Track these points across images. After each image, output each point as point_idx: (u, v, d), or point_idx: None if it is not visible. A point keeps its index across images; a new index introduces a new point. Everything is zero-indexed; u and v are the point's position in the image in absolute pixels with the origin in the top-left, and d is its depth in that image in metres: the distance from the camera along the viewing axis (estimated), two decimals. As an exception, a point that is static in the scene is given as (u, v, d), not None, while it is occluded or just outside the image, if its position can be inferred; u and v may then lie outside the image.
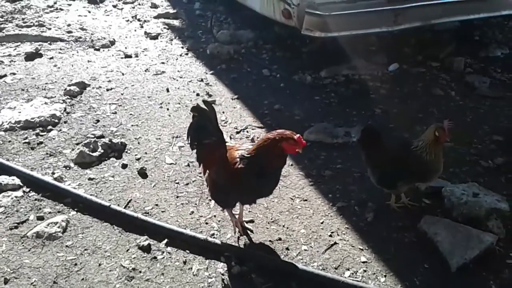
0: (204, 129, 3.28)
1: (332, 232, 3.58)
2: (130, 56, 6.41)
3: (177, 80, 5.83)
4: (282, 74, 5.95)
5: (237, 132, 4.79)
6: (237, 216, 3.55)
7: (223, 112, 5.13)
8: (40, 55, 6.29)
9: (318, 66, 6.05)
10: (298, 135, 2.96)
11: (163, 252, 3.37)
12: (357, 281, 3.14)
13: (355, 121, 4.94)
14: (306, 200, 3.92)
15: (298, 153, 3.00)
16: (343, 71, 5.91)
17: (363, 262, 3.32)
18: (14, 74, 5.73)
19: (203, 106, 3.24)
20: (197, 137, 3.34)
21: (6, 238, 3.46)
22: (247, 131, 4.81)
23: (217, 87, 5.71)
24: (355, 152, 4.38)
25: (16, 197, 3.81)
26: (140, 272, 3.21)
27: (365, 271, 3.26)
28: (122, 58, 6.38)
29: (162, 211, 3.74)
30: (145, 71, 6.03)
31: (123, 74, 5.91)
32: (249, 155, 3.07)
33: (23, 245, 3.40)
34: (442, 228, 3.45)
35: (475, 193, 3.67)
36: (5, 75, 5.67)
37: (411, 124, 4.84)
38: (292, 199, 3.92)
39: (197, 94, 5.48)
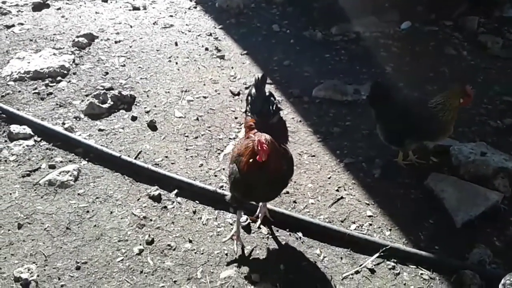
0: (253, 103, 3.26)
1: (339, 187, 3.63)
2: (138, 9, 6.31)
3: (185, 34, 5.76)
4: (292, 30, 5.86)
5: (246, 88, 4.76)
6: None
7: (232, 68, 5.10)
8: (48, 6, 6.20)
9: (329, 22, 5.95)
10: (260, 145, 2.61)
11: (173, 202, 3.44)
12: (363, 233, 3.22)
13: (365, 79, 4.90)
14: (314, 155, 3.95)
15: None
16: (354, 28, 5.82)
17: (369, 216, 3.38)
18: (22, 24, 5.67)
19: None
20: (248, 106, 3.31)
21: (19, 185, 3.53)
22: (256, 87, 4.79)
23: (226, 42, 5.64)
24: (364, 110, 4.39)
25: (27, 145, 3.86)
26: (151, 220, 3.29)
27: (370, 224, 3.32)
28: (130, 10, 6.28)
29: (172, 163, 3.79)
30: (153, 24, 5.95)
31: (131, 26, 5.83)
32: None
33: (35, 192, 3.48)
34: (448, 185, 3.49)
35: (483, 152, 3.69)
36: (13, 25, 5.62)
37: (422, 82, 4.80)
38: (300, 154, 3.95)
39: (206, 49, 5.43)
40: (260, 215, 3.30)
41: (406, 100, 3.80)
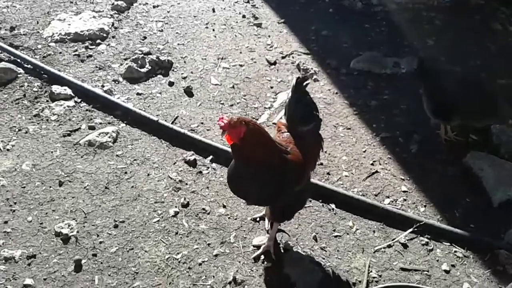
0: (286, 106, 2.91)
1: (374, 161, 3.60)
2: (176, -27, 6.25)
3: (223, 0, 5.68)
4: (332, -1, 5.72)
5: (283, 57, 4.71)
6: None
7: (269, 36, 5.03)
8: (87, -32, 6.21)
9: (370, -8, 5.78)
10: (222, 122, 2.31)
11: (208, 167, 3.49)
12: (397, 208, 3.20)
13: (405, 52, 4.77)
14: (349, 128, 3.91)
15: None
16: (397, -1, 5.64)
17: (404, 192, 3.36)
18: (62, -14, 5.71)
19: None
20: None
21: (60, 144, 3.64)
22: (293, 57, 4.74)
23: (263, 9, 5.55)
24: (404, 84, 4.31)
25: (68, 106, 3.95)
26: (186, 184, 3.35)
27: (405, 200, 3.30)
28: (168, -26, 6.22)
29: (207, 130, 3.82)
30: (191, -11, 5.90)
31: (169, -9, 5.80)
32: None
33: (76, 152, 3.58)
34: (488, 164, 3.42)
35: (527, 132, 3.59)
36: (53, -14, 5.66)
37: (465, 57, 4.64)
38: (335, 126, 3.92)
39: (243, 16, 5.36)
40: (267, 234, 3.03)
41: (468, 79, 3.77)
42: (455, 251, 2.96)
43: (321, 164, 3.55)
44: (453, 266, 2.88)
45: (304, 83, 2.81)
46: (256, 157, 2.39)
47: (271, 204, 2.85)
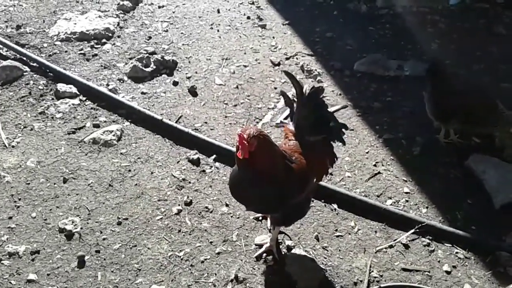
0: (294, 111, 2.85)
1: (376, 162, 3.61)
2: (181, -26, 6.28)
3: (227, 2, 5.73)
4: (336, 2, 5.74)
5: (287, 59, 4.74)
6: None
7: (273, 37, 5.06)
8: (93, -32, 6.25)
9: (375, -5, 5.79)
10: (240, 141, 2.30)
11: (211, 166, 3.51)
12: (399, 209, 3.21)
13: (409, 55, 4.79)
14: (352, 129, 3.92)
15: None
16: (401, 2, 5.64)
17: (406, 193, 3.37)
18: (68, -15, 5.75)
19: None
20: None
21: (65, 142, 3.67)
22: (297, 58, 4.76)
23: (268, 11, 5.58)
24: (407, 86, 4.32)
25: (73, 104, 3.99)
26: (190, 182, 3.37)
27: (407, 201, 3.31)
28: (173, -25, 6.26)
29: (211, 129, 3.85)
30: (196, -10, 5.93)
31: (174, -8, 5.84)
32: None
33: (80, 149, 3.61)
34: (490, 166, 3.42)
35: (529, 135, 3.59)
36: (59, -14, 5.70)
37: (469, 61, 4.65)
38: (338, 127, 3.93)
39: (248, 17, 5.39)
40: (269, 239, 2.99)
41: (472, 86, 3.81)
42: (457, 252, 2.96)
43: (324, 164, 3.56)
44: (454, 267, 2.89)
45: (318, 94, 2.76)
46: (261, 167, 2.36)
47: (270, 213, 2.86)
